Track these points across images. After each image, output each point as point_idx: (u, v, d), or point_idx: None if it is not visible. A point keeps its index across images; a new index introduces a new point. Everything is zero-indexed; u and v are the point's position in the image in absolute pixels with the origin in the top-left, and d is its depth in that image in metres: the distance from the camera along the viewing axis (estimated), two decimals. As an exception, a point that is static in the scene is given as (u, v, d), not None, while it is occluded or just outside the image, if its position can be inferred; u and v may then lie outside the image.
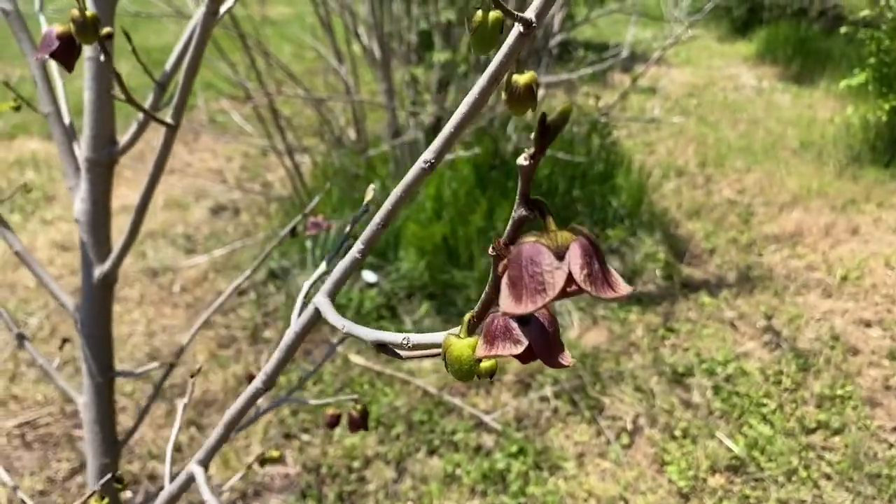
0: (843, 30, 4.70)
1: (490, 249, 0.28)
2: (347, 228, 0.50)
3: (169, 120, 0.65)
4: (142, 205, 0.69)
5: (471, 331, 0.29)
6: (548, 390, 2.47)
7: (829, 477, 2.18)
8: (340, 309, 2.81)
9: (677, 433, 2.33)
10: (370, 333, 0.35)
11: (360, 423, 0.76)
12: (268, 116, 2.85)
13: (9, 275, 2.99)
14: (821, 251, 3.29)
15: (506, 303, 0.25)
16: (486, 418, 2.37)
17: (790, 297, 2.97)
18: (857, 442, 2.25)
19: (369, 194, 0.49)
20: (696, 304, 2.92)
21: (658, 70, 6.19)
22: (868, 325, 2.80)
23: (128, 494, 0.85)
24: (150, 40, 6.27)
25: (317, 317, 0.40)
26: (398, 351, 0.36)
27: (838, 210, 3.67)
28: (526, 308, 0.25)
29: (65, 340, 0.91)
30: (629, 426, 2.36)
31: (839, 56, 5.99)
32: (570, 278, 0.25)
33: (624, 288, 0.25)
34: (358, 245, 0.39)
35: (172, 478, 0.53)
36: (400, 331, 2.73)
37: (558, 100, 4.01)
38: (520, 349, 0.27)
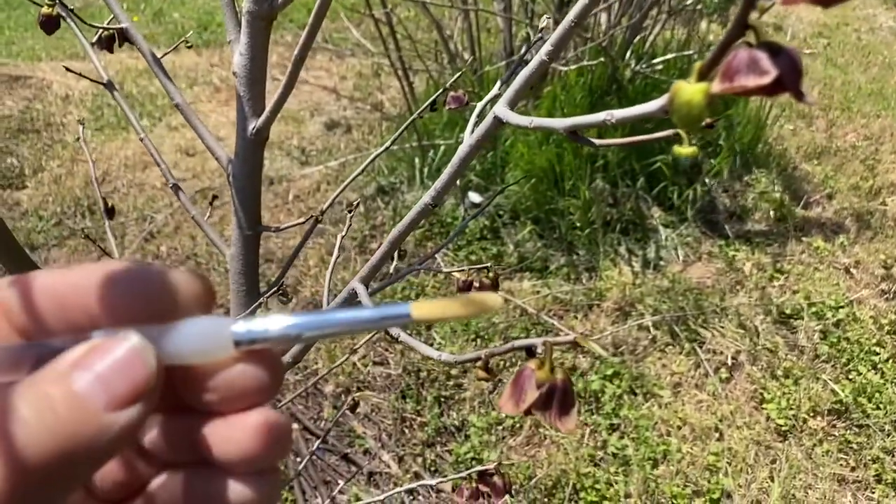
0: None
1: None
2: (543, 25, 0.51)
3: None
4: (298, 57, 0.71)
5: (702, 79, 0.28)
6: (647, 319, 2.46)
7: (939, 429, 2.10)
8: (445, 227, 2.87)
9: (779, 373, 2.29)
10: (562, 122, 0.36)
11: (491, 288, 0.79)
12: (385, 31, 2.87)
13: (138, 174, 3.18)
14: (953, 203, 3.09)
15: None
16: (583, 341, 2.39)
17: (914, 248, 2.81)
18: (974, 397, 2.15)
19: (543, 21, 0.50)
20: (809, 248, 2.81)
21: (785, 8, 5.82)
22: None
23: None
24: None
25: (495, 125, 0.41)
26: (593, 140, 0.37)
27: (977, 162, 3.41)
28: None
29: (214, 197, 0.98)
30: (729, 361, 2.33)
31: None
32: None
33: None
34: (546, 47, 0.39)
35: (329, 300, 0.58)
36: (500, 253, 2.76)
37: (678, 31, 3.85)
38: (768, 79, 0.27)
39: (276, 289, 0.62)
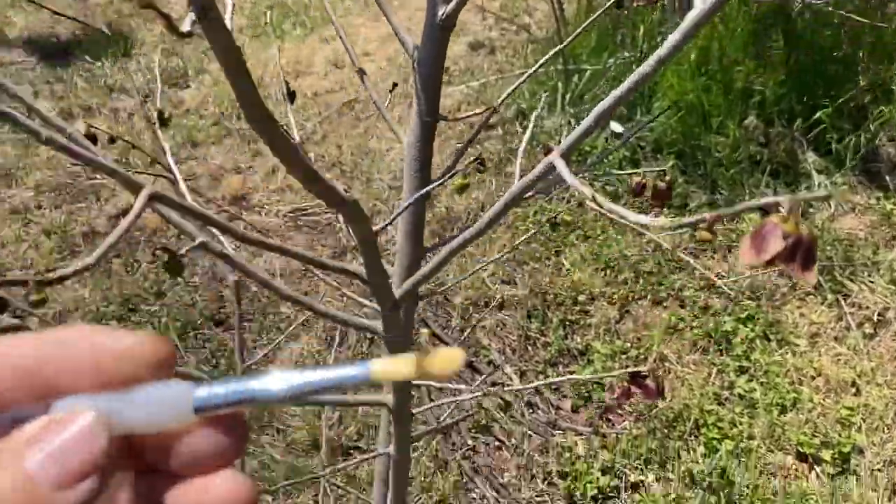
0: None
1: None
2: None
3: None
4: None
5: None
6: (790, 266, 2.35)
7: None
8: (584, 155, 2.83)
9: (930, 335, 2.15)
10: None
11: (665, 194, 0.79)
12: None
13: (290, 83, 3.31)
14: None
15: None
16: (719, 282, 2.33)
17: None
18: None
19: None
20: (981, 208, 2.59)
21: None
22: None
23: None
24: None
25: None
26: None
27: None
28: None
29: (395, 84, 1.01)
30: (875, 317, 2.21)
31: None
32: None
33: None
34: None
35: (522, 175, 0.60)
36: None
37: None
38: None
39: (474, 159, 0.65)
